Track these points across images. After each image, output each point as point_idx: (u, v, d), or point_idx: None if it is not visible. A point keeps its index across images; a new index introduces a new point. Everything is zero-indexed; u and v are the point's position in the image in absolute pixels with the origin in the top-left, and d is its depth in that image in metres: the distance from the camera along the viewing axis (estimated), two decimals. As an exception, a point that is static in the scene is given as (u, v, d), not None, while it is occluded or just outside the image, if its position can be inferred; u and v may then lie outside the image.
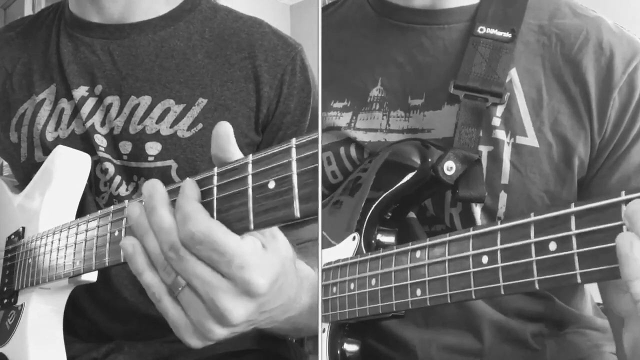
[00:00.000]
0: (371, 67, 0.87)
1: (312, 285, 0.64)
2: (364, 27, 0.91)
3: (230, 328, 0.53)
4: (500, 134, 0.78)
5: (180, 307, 0.53)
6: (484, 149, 0.78)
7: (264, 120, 0.90)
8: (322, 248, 0.77)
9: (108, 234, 0.64)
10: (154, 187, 0.54)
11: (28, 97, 0.93)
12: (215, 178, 0.52)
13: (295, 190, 0.46)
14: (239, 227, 0.50)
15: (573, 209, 0.48)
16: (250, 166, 0.50)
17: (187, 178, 0.53)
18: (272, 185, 0.48)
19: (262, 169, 0.49)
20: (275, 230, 0.54)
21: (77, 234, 0.72)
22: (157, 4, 0.93)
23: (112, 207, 0.65)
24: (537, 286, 0.51)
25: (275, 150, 0.48)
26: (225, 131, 0.53)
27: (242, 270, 0.50)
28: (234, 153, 0.53)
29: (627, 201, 0.45)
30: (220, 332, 0.53)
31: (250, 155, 0.50)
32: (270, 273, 0.52)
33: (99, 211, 0.68)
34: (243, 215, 0.50)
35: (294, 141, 0.47)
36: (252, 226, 0.49)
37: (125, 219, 0.62)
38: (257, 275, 0.51)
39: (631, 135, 0.78)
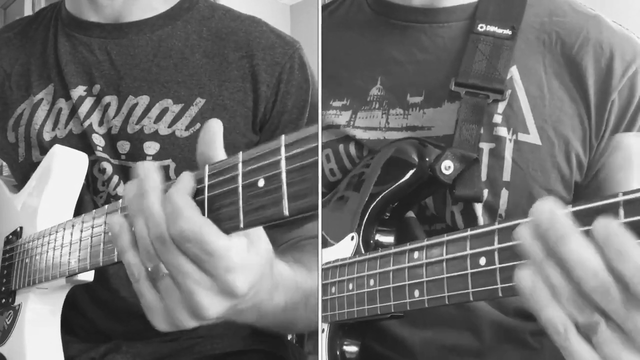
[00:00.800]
0: (370, 66, 0.87)
1: (286, 287, 0.64)
2: (363, 27, 0.91)
3: (201, 321, 0.54)
4: (502, 131, 0.78)
5: (157, 292, 0.54)
6: (485, 146, 0.78)
7: (262, 119, 0.89)
8: (322, 248, 0.77)
9: (103, 234, 0.64)
10: (148, 171, 0.53)
11: (26, 97, 0.93)
12: (207, 177, 0.52)
13: (284, 188, 0.46)
14: (229, 225, 0.50)
15: (571, 209, 0.48)
16: (240, 165, 0.49)
17: (185, 172, 0.53)
18: (261, 183, 0.47)
19: (252, 167, 0.48)
20: (260, 231, 0.54)
21: (72, 233, 0.72)
22: (155, 2, 0.92)
23: (106, 207, 0.65)
24: None
25: (265, 150, 0.48)
26: (216, 128, 0.53)
27: (227, 272, 0.50)
28: (219, 151, 0.53)
29: (625, 202, 0.44)
30: (190, 323, 0.54)
31: (241, 153, 0.50)
32: (251, 277, 0.52)
33: (94, 210, 0.68)
34: (233, 214, 0.49)
35: (283, 139, 0.47)
36: (242, 225, 0.49)
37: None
38: (240, 278, 0.51)
39: None
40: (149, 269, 0.53)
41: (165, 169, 0.87)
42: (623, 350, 0.46)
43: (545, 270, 0.47)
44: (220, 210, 0.50)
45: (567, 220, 0.46)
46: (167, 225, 0.50)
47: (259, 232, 0.54)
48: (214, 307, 0.52)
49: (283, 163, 0.46)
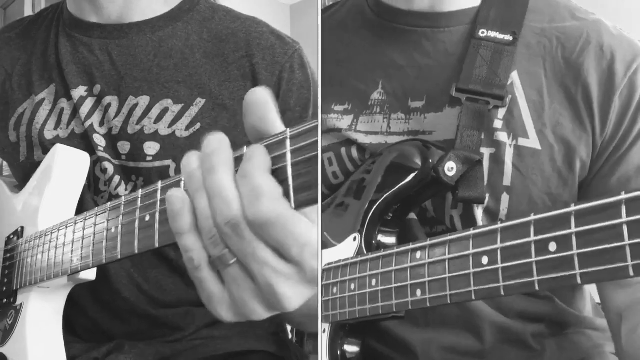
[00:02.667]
0: (372, 70, 0.87)
1: None
2: (364, 30, 0.91)
3: (277, 312, 0.48)
4: (502, 136, 0.78)
5: (221, 280, 0.48)
6: (485, 151, 0.78)
7: None
8: (323, 248, 0.77)
9: (105, 231, 0.64)
10: (221, 143, 0.47)
11: (27, 97, 0.93)
12: (289, 153, 0.46)
13: (290, 181, 0.45)
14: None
15: (573, 208, 0.48)
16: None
17: (253, 144, 0.47)
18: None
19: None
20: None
21: (75, 231, 0.72)
22: (156, 4, 0.93)
23: (108, 204, 0.65)
24: (537, 287, 0.51)
25: (271, 142, 0.46)
26: (264, 97, 0.47)
27: (314, 258, 0.45)
28: (276, 122, 0.47)
29: (627, 201, 0.45)
30: (263, 314, 0.48)
31: (245, 147, 0.47)
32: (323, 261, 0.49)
33: (97, 208, 0.67)
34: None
35: (288, 131, 0.45)
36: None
37: (122, 215, 0.61)
38: (318, 263, 0.46)
39: (631, 136, 0.78)
40: (214, 255, 0.47)
41: (166, 169, 0.87)
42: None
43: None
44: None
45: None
46: (243, 208, 0.44)
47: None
48: (296, 297, 0.46)
49: (289, 156, 0.45)
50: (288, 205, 0.44)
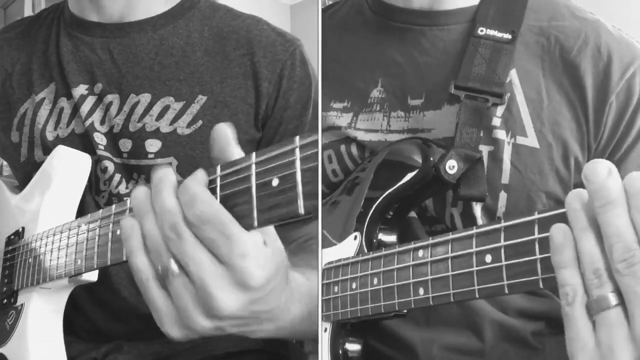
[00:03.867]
0: (371, 68, 0.87)
1: (302, 294, 0.62)
2: (363, 29, 0.91)
3: (216, 321, 0.52)
4: (501, 134, 0.78)
5: (168, 294, 0.52)
6: (484, 149, 0.78)
7: (264, 115, 0.90)
8: (324, 247, 0.77)
9: (110, 233, 0.64)
10: (165, 173, 0.53)
11: (28, 96, 0.93)
12: (218, 178, 0.52)
13: (300, 187, 0.46)
14: (243, 224, 0.50)
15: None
16: (253, 165, 0.50)
17: (200, 169, 0.53)
18: (275, 182, 0.48)
19: (266, 167, 0.49)
20: (273, 231, 0.54)
21: (78, 234, 0.72)
22: (157, 2, 0.93)
23: (113, 207, 0.65)
24: (541, 285, 0.51)
25: (279, 151, 0.48)
26: (224, 132, 0.53)
27: (243, 259, 0.49)
28: (234, 153, 0.53)
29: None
30: (204, 324, 0.52)
31: (254, 154, 0.50)
32: (268, 268, 0.51)
33: (100, 210, 0.68)
34: (246, 213, 0.50)
35: (297, 140, 0.47)
36: (255, 223, 0.49)
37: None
38: (255, 266, 0.50)
39: (627, 141, 0.79)
40: (159, 269, 0.52)
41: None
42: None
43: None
44: (233, 209, 0.50)
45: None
46: (183, 213, 0.50)
47: (274, 233, 0.54)
48: (228, 299, 0.50)
49: (298, 163, 0.47)
50: (223, 210, 0.49)
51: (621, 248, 0.45)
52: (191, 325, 0.52)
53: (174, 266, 0.51)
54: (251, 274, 0.50)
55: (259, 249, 0.50)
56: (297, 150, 0.47)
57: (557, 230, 0.49)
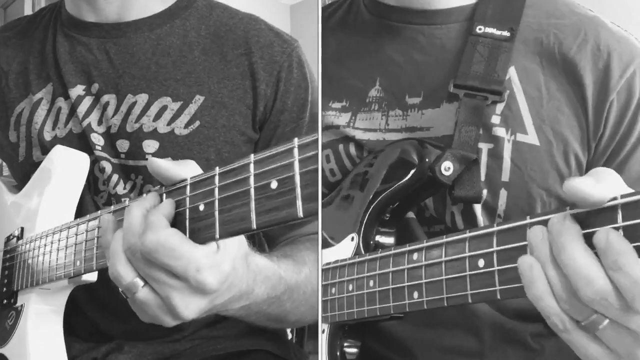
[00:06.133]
0: (369, 68, 0.87)
1: (266, 277, 0.68)
2: (360, 28, 0.91)
3: (183, 320, 0.59)
4: (500, 132, 0.78)
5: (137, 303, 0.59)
6: (484, 147, 0.78)
7: (261, 117, 0.89)
8: (322, 248, 0.77)
9: None
10: (145, 197, 0.60)
11: (25, 96, 0.93)
12: (217, 178, 0.53)
13: (298, 190, 0.46)
14: (241, 227, 0.51)
15: (569, 211, 0.48)
16: (252, 166, 0.50)
17: (169, 198, 0.58)
18: (274, 185, 0.48)
19: (264, 169, 0.49)
20: None
21: (77, 234, 0.72)
22: (153, 2, 0.92)
23: (112, 207, 0.65)
24: None
25: (278, 151, 0.49)
26: (157, 165, 0.59)
27: (198, 272, 0.55)
28: (180, 173, 0.58)
29: (622, 205, 0.45)
30: (174, 323, 0.60)
31: (252, 155, 0.50)
32: (220, 274, 0.56)
33: (99, 211, 0.68)
34: (245, 216, 0.50)
35: (296, 141, 0.47)
36: (254, 226, 0.50)
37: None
38: (209, 276, 0.55)
39: (630, 141, 0.78)
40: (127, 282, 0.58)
41: None
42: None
43: (547, 270, 0.49)
44: (232, 212, 0.51)
45: (574, 230, 0.48)
46: (139, 239, 0.56)
47: None
48: (189, 306, 0.57)
49: (297, 165, 0.47)
50: (172, 234, 0.55)
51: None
52: (163, 324, 0.60)
53: (138, 281, 0.58)
54: (208, 283, 0.56)
55: (212, 258, 0.56)
56: (296, 152, 0.47)
57: (524, 264, 0.50)
